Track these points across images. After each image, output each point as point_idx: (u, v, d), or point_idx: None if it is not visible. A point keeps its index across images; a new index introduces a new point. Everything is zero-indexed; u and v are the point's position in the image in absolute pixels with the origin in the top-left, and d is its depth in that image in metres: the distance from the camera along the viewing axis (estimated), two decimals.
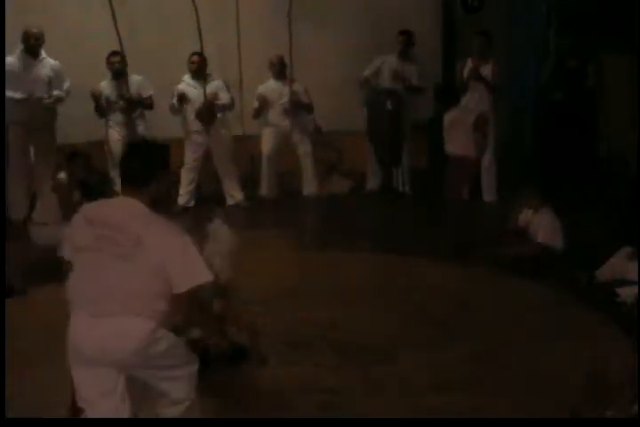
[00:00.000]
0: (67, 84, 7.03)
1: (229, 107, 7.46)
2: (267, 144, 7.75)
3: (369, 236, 6.54)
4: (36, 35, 6.75)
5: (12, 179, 6.88)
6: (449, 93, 6.92)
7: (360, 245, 6.25)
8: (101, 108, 7.28)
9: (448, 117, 6.41)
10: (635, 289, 4.89)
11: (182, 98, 7.24)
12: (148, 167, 3.02)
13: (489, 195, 7.39)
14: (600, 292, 5.06)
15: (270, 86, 7.65)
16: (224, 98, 7.39)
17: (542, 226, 5.72)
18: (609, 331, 4.49)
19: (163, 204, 3.20)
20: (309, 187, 7.89)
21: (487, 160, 7.42)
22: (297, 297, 4.98)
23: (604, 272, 5.23)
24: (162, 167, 3.08)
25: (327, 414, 3.62)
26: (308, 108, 7.68)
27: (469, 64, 7.22)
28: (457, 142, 6.14)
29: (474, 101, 7.30)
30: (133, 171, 3.02)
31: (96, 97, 7.22)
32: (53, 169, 6.96)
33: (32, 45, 6.79)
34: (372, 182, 7.98)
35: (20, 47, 6.81)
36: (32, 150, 7.12)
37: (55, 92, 6.91)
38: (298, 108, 7.58)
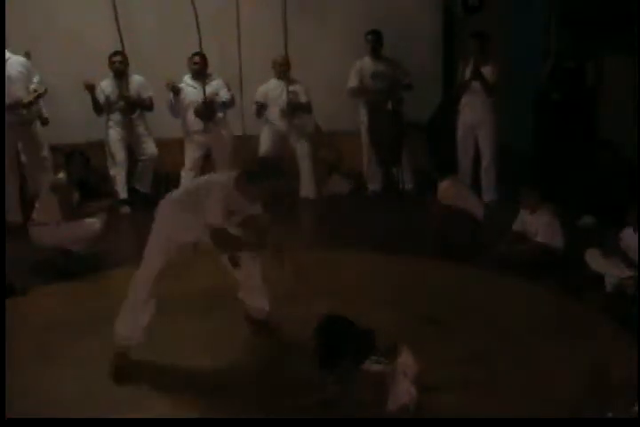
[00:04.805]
0: (37, 79, 6.80)
1: (230, 104, 7.43)
2: (264, 143, 7.74)
3: (369, 236, 6.52)
4: None
5: (7, 180, 6.77)
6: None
7: (360, 245, 6.24)
8: (98, 103, 7.22)
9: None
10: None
11: (175, 90, 7.20)
12: None
13: (488, 194, 7.39)
14: (599, 291, 5.08)
15: (272, 86, 7.64)
16: (224, 96, 7.36)
17: (541, 226, 5.72)
18: (609, 331, 4.49)
19: None
20: (307, 189, 7.83)
21: (486, 160, 7.43)
22: (297, 297, 4.97)
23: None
24: None
25: (327, 414, 3.62)
26: (307, 109, 7.65)
27: (471, 64, 7.21)
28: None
29: (472, 103, 7.32)
30: None
31: (90, 89, 7.06)
32: (48, 167, 6.95)
33: None
34: (373, 183, 7.97)
35: None
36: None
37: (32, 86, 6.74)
38: (295, 109, 7.57)
